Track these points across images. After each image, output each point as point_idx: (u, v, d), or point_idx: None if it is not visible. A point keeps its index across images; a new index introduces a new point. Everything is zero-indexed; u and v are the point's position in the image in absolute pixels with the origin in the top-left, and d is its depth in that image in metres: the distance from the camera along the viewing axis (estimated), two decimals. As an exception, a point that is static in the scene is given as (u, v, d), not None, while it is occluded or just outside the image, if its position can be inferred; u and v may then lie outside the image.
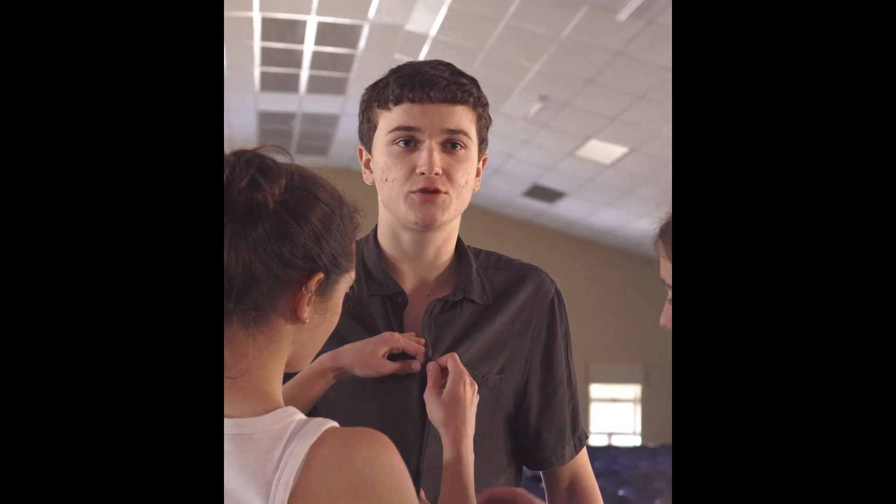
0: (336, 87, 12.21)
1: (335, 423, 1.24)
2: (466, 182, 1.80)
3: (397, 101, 1.77)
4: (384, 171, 1.79)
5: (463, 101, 1.79)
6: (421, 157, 1.76)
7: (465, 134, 1.79)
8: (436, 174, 1.75)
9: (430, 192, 1.77)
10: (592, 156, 12.90)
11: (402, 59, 10.30)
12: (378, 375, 1.78)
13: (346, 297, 1.41)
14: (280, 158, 1.34)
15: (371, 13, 9.89)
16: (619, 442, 17.82)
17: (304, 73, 11.77)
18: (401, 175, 1.77)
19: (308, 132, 14.24)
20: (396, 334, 1.79)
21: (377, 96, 1.81)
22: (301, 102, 12.89)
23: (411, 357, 1.80)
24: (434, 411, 1.73)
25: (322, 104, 12.99)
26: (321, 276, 1.31)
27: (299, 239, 1.29)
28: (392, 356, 1.79)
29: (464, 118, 1.79)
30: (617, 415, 18.14)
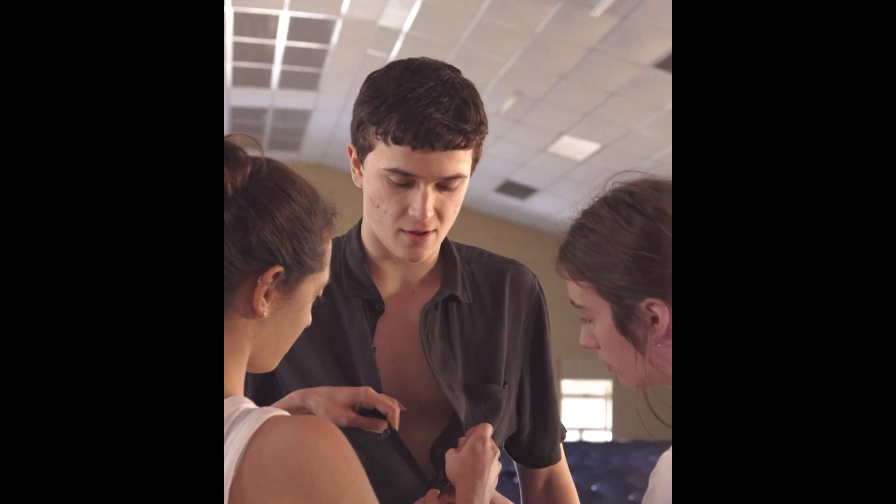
0: (308, 82, 12.18)
1: (283, 412, 1.20)
2: (455, 211, 1.77)
3: (397, 142, 1.68)
4: (375, 198, 1.74)
5: (464, 148, 1.71)
6: (416, 199, 1.70)
7: (462, 176, 1.73)
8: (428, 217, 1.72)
9: (419, 234, 1.73)
10: (565, 152, 12.92)
11: (375, 54, 10.36)
12: (341, 425, 1.70)
13: (318, 300, 1.38)
14: (254, 153, 1.31)
15: (344, 8, 9.86)
16: (591, 437, 17.86)
17: (277, 69, 11.73)
18: (393, 210, 1.72)
19: (280, 128, 14.20)
20: (371, 391, 1.73)
21: (375, 120, 1.71)
22: (273, 98, 12.85)
23: (381, 416, 1.74)
24: (451, 465, 1.70)
25: (294, 100, 12.95)
26: (279, 269, 1.28)
27: (256, 230, 1.26)
28: (364, 411, 1.74)
29: (461, 161, 1.72)
30: (588, 410, 18.18)
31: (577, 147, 12.63)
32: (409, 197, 1.70)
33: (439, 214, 1.73)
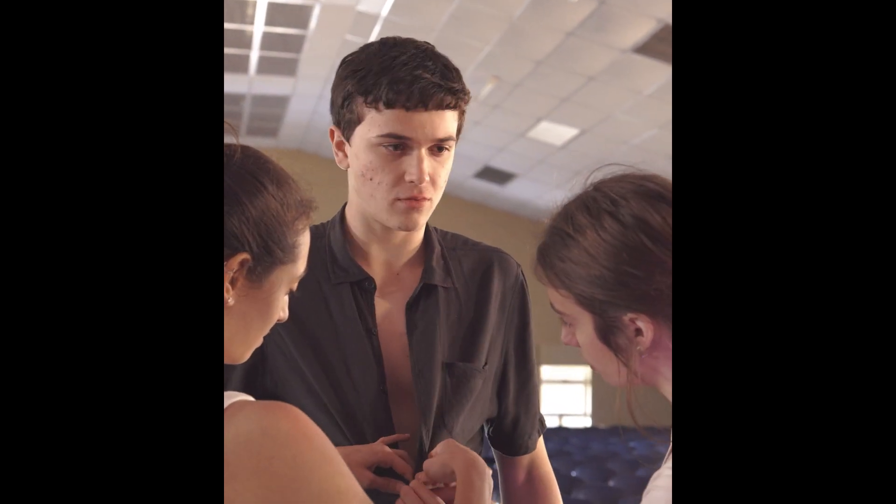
0: (286, 68, 12.14)
1: (247, 397, 1.19)
2: (445, 179, 1.77)
3: (389, 105, 1.69)
4: (368, 170, 1.74)
5: (455, 108, 1.73)
6: (411, 164, 1.70)
7: (453, 138, 1.74)
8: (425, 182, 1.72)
9: (417, 200, 1.73)
10: (544, 137, 12.92)
11: (353, 39, 10.33)
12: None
13: (292, 294, 1.36)
14: (228, 139, 1.29)
15: (321, -7, 9.83)
16: (570, 423, 17.90)
17: (254, 54, 11.68)
18: (388, 179, 1.72)
19: (258, 114, 14.15)
20: (388, 450, 1.73)
21: (363, 89, 1.72)
22: (251, 83, 12.80)
23: (396, 473, 1.73)
24: (431, 463, 1.63)
25: (272, 85, 12.91)
26: (245, 256, 1.26)
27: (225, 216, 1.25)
28: (379, 470, 1.73)
29: (452, 123, 1.73)
30: (567, 396, 18.22)
31: (555, 132, 12.62)
32: (405, 163, 1.71)
33: (433, 181, 1.73)
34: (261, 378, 1.80)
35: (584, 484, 7.90)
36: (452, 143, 1.75)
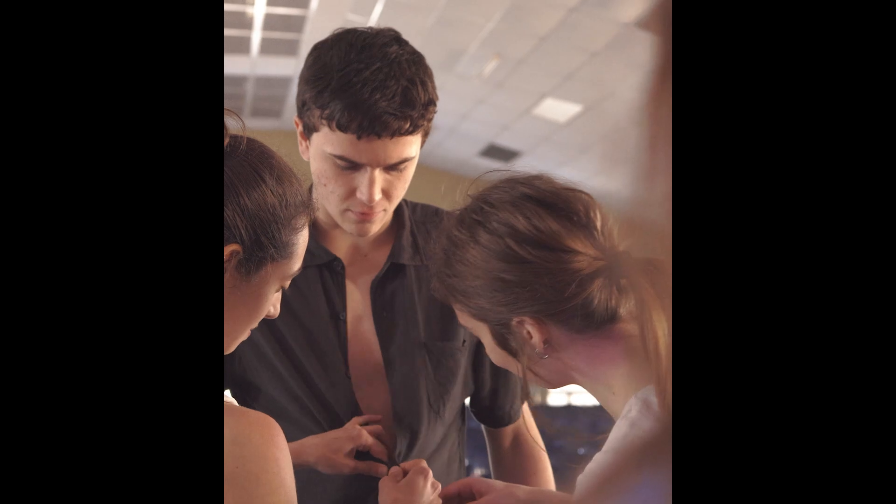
0: (288, 48, 12.11)
1: (230, 401, 1.19)
2: (404, 188, 1.76)
3: (342, 129, 1.65)
4: (322, 177, 1.72)
5: (412, 133, 1.69)
6: (363, 182, 1.68)
7: (409, 159, 1.71)
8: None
9: (366, 214, 1.71)
10: (548, 114, 12.89)
11: (354, 19, 10.30)
12: (342, 474, 1.72)
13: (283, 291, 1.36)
14: (235, 129, 1.29)
15: (322, -27, 9.79)
16: (578, 402, 17.90)
17: (256, 35, 11.66)
18: (340, 192, 1.70)
19: (261, 95, 14.13)
20: (364, 432, 1.73)
21: (319, 104, 1.68)
22: (253, 65, 12.77)
23: (376, 457, 1.75)
24: (384, 495, 1.64)
25: (275, 66, 12.89)
26: (235, 247, 1.25)
27: None
28: (358, 454, 1.73)
29: (409, 145, 1.70)
30: (576, 373, 18.21)
31: (559, 109, 12.59)
32: (356, 180, 1.68)
33: (387, 194, 1.71)
34: (230, 364, 1.79)
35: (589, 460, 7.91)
36: (411, 160, 1.71)
